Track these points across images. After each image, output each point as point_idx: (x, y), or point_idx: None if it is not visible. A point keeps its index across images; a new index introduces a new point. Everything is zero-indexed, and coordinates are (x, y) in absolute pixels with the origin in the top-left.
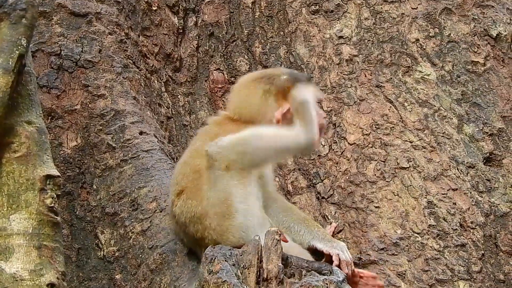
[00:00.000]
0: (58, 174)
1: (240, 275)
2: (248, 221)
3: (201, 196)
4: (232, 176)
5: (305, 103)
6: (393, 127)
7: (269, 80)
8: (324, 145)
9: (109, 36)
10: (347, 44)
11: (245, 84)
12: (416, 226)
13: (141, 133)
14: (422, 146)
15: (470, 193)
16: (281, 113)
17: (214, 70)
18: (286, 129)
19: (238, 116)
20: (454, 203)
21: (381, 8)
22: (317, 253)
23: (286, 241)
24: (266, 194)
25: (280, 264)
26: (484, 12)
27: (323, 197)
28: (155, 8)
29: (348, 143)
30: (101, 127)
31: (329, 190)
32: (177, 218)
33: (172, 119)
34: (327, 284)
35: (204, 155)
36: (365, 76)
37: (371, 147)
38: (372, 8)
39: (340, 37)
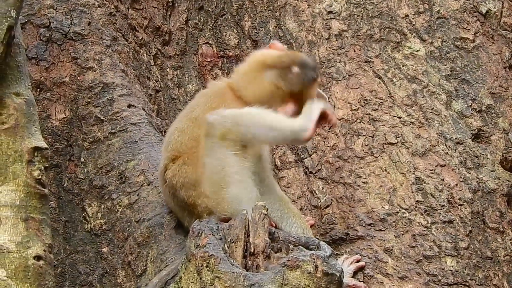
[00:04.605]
0: (46, 146)
1: (227, 249)
2: (243, 193)
3: (198, 163)
4: (228, 146)
5: (313, 105)
6: (381, 102)
7: (281, 73)
8: None
9: (98, 8)
10: (336, 19)
11: (256, 65)
12: (404, 202)
13: (129, 106)
14: (411, 122)
15: (458, 169)
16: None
17: (203, 43)
18: (286, 117)
19: (240, 94)
20: (442, 179)
21: None
22: None
23: (273, 226)
24: (264, 179)
25: (267, 239)
26: None
27: (311, 172)
28: None
29: (337, 118)
30: (89, 100)
31: (317, 165)
32: (168, 181)
33: (160, 92)
34: (314, 259)
35: (204, 123)
36: (354, 51)
37: (360, 122)
38: None
39: (330, 12)
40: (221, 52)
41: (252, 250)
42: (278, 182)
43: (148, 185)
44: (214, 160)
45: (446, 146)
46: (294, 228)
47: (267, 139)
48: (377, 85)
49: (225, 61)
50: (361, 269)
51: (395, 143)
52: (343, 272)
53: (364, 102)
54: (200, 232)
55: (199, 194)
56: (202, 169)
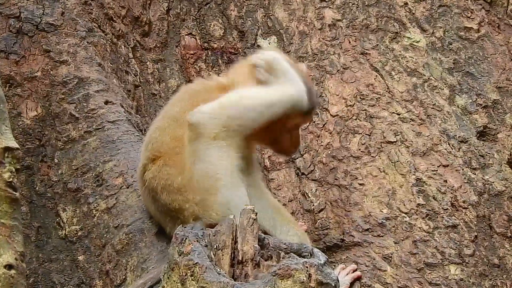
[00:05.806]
0: (17, 146)
1: (213, 257)
2: (234, 197)
3: (183, 166)
4: (219, 147)
5: (275, 59)
6: (379, 97)
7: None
8: None
9: None
10: (329, 7)
11: (247, 63)
12: (404, 205)
13: (106, 102)
14: (411, 119)
15: (463, 169)
16: None
17: (186, 35)
18: (268, 87)
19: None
20: (445, 181)
21: None
22: None
23: None
24: (253, 183)
25: (257, 246)
26: None
27: (303, 173)
28: None
29: (331, 114)
30: (63, 96)
31: (310, 165)
32: (147, 183)
33: (140, 87)
34: (307, 267)
35: (187, 124)
36: (349, 42)
37: (356, 119)
38: None
39: (322, 0)
40: (205, 44)
41: (240, 258)
42: (267, 185)
43: (127, 188)
44: (203, 166)
45: (449, 144)
46: (290, 236)
47: (268, 117)
48: (374, 79)
49: (209, 53)
50: (358, 279)
51: (394, 141)
52: (338, 281)
53: (360, 98)
54: (184, 239)
55: (186, 199)
56: (190, 173)
